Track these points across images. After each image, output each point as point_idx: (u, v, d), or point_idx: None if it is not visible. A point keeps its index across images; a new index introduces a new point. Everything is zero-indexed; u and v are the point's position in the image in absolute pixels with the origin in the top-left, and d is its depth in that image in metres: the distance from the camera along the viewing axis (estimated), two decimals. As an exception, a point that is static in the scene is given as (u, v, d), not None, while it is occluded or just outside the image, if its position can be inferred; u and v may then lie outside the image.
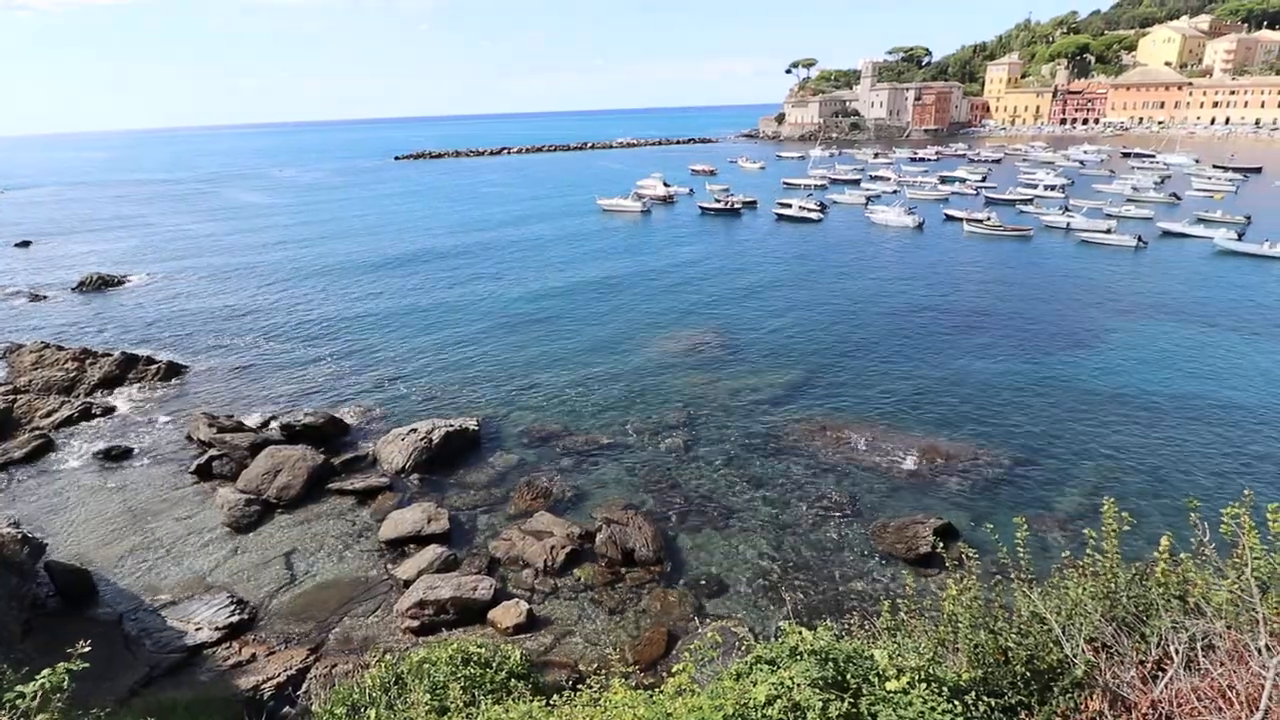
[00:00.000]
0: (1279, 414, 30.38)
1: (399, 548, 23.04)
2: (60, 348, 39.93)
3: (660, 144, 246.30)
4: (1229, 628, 5.62)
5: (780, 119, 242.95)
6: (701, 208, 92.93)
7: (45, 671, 6.32)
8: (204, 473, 28.08)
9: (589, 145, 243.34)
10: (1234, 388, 33.29)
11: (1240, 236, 62.94)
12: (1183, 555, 6.73)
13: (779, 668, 5.55)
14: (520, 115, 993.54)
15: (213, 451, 28.77)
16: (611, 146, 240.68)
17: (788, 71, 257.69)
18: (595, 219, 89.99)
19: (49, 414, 33.33)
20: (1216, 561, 6.58)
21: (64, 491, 27.31)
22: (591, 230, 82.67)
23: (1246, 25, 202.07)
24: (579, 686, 9.51)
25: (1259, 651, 5.00)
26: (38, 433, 31.47)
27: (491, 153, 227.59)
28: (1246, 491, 6.48)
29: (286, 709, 16.55)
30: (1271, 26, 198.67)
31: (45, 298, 56.86)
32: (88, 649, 6.82)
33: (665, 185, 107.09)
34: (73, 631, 17.73)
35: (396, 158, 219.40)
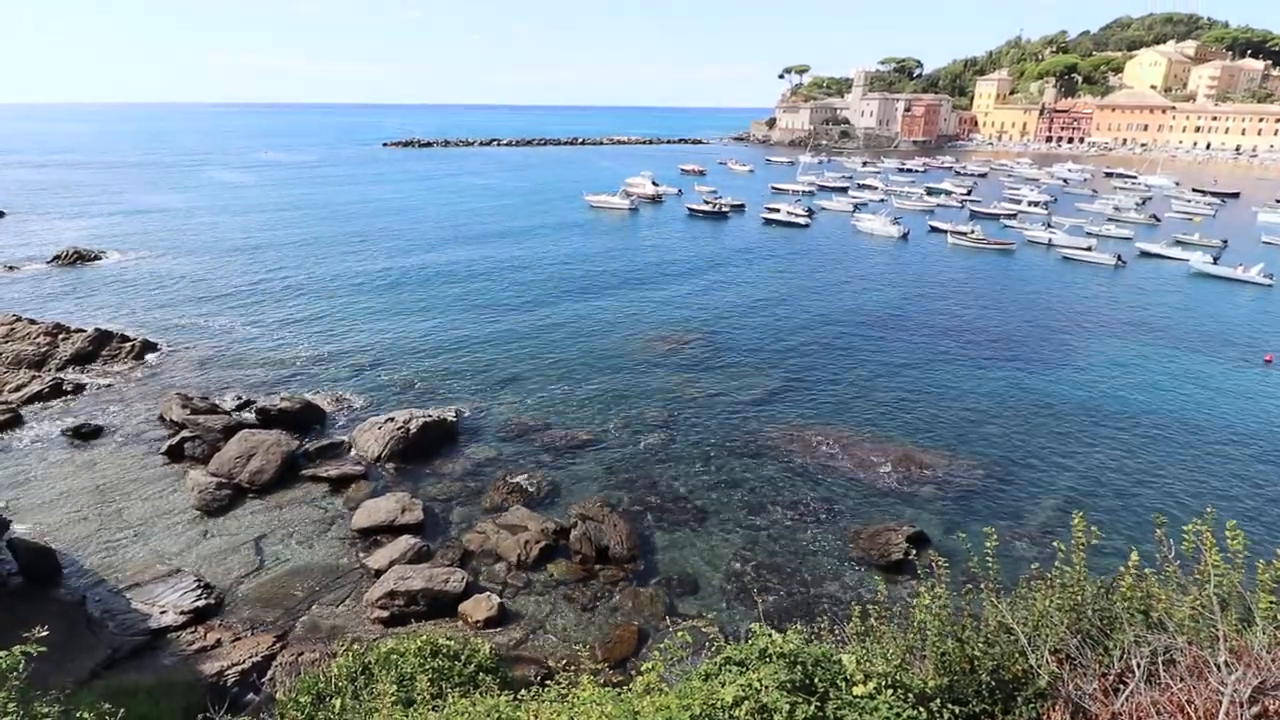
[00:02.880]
0: (1244, 433, 31.03)
1: (371, 537, 22.86)
2: (33, 321, 39.11)
3: (650, 143, 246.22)
4: (1190, 643, 5.70)
5: (771, 124, 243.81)
6: (690, 209, 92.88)
7: (0, 653, 6.19)
8: (175, 454, 27.66)
9: (579, 141, 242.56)
10: (1203, 407, 33.92)
11: (1216, 260, 64.06)
12: (1147, 570, 6.83)
13: (748, 669, 5.57)
14: (510, 107, 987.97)
15: (185, 433, 28.34)
16: (602, 143, 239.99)
17: (780, 77, 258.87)
18: (582, 216, 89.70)
19: (18, 388, 32.67)
20: (1180, 577, 6.69)
21: (31, 468, 26.78)
22: (578, 227, 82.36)
23: (1231, 53, 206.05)
24: (548, 682, 9.48)
25: (1218, 668, 5.08)
26: (5, 407, 30.78)
27: (481, 143, 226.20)
28: (1209, 509, 6.59)
29: (251, 696, 16.35)
30: (1255, 55, 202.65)
31: (18, 269, 55.72)
32: (45, 633, 6.68)
33: (654, 184, 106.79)
34: (34, 611, 17.44)
35: (385, 144, 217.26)
